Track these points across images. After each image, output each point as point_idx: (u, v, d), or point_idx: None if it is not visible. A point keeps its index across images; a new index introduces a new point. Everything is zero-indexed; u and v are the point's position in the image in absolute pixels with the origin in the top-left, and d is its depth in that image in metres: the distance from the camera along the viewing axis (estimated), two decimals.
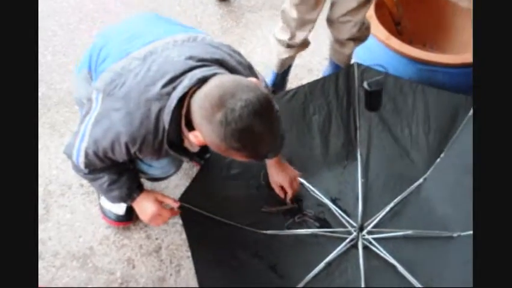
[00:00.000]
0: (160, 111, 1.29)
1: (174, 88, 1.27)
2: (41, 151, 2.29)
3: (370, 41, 2.29)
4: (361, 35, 2.15)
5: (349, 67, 2.03)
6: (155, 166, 1.71)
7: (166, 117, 1.28)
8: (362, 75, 1.98)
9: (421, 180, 1.87)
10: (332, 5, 2.06)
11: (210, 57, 1.34)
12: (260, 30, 2.83)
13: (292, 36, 2.14)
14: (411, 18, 2.49)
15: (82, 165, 1.47)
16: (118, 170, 1.55)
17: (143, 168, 1.72)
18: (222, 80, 1.22)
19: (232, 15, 2.91)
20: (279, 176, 1.83)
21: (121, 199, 1.64)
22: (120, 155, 1.39)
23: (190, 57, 1.32)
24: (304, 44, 2.21)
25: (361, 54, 2.32)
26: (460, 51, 2.47)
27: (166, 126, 1.29)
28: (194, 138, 1.26)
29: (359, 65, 2.03)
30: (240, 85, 1.18)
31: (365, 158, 1.93)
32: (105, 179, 1.54)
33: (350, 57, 2.29)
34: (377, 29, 2.27)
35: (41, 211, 2.05)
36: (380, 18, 2.32)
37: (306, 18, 2.05)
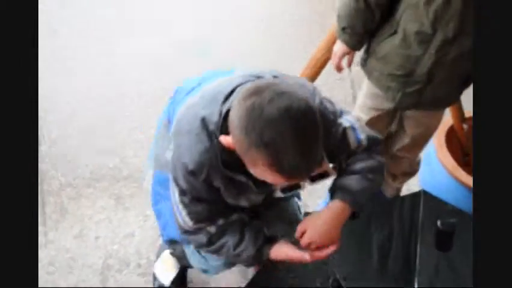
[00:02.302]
0: (214, 128, 1.25)
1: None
2: (103, 222, 2.39)
3: (437, 168, 2.33)
4: (413, 170, 2.20)
5: (416, 194, 2.07)
6: (209, 261, 1.72)
7: (214, 127, 1.24)
8: (427, 204, 2.02)
9: None
10: (388, 137, 2.11)
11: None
12: None
13: None
14: None
15: (187, 220, 1.42)
16: (239, 228, 1.45)
17: (197, 261, 1.75)
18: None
19: None
20: (319, 226, 1.46)
21: (255, 259, 1.50)
22: (204, 190, 1.34)
23: (250, 75, 1.31)
24: None
25: (427, 180, 2.37)
26: None
27: (217, 137, 1.23)
28: (224, 140, 1.20)
29: (425, 193, 2.07)
30: (288, 83, 1.16)
31: None
32: (229, 243, 1.45)
33: (399, 190, 2.32)
34: (445, 158, 2.32)
35: (97, 283, 2.12)
36: (449, 147, 2.38)
37: None
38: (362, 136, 1.45)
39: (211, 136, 1.25)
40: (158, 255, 2.06)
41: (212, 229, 1.45)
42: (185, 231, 1.48)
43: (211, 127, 1.24)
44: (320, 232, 1.45)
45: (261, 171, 1.15)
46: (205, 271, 1.84)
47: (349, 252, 1.98)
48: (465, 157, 2.49)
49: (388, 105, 1.91)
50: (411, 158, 2.12)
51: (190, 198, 1.38)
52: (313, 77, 2.78)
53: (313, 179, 1.41)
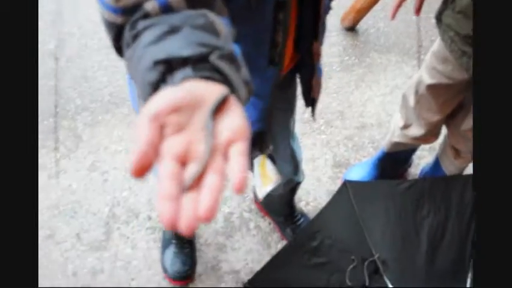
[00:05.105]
0: None
1: None
2: (119, 154, 2.12)
3: None
4: None
5: None
6: None
7: None
8: None
9: None
10: (457, 111, 1.71)
11: None
12: (384, 75, 2.49)
13: (406, 126, 1.81)
14: None
15: None
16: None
17: None
18: None
19: (357, 51, 2.59)
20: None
21: (150, 77, 0.65)
22: None
23: None
24: (425, 139, 1.84)
25: None
26: None
27: None
28: None
29: None
30: None
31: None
32: (155, 31, 0.70)
33: (462, 170, 1.92)
34: None
35: (100, 236, 1.88)
36: None
37: (424, 116, 1.72)
38: None
39: None
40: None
41: (151, 5, 0.74)
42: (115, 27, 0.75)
43: None
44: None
45: None
46: None
47: (395, 234, 1.67)
48: None
49: (459, 75, 1.49)
50: None
51: None
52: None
53: None
